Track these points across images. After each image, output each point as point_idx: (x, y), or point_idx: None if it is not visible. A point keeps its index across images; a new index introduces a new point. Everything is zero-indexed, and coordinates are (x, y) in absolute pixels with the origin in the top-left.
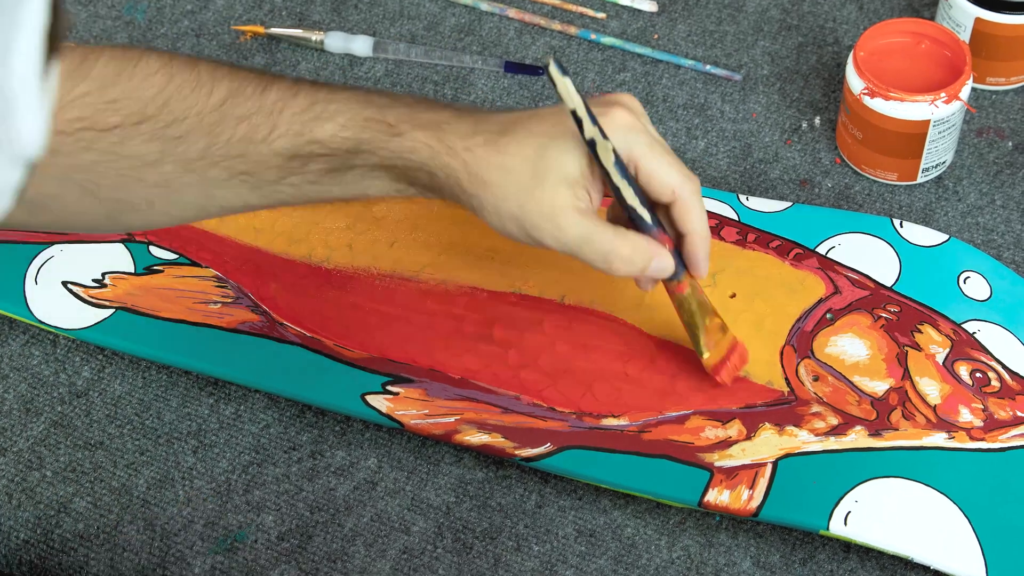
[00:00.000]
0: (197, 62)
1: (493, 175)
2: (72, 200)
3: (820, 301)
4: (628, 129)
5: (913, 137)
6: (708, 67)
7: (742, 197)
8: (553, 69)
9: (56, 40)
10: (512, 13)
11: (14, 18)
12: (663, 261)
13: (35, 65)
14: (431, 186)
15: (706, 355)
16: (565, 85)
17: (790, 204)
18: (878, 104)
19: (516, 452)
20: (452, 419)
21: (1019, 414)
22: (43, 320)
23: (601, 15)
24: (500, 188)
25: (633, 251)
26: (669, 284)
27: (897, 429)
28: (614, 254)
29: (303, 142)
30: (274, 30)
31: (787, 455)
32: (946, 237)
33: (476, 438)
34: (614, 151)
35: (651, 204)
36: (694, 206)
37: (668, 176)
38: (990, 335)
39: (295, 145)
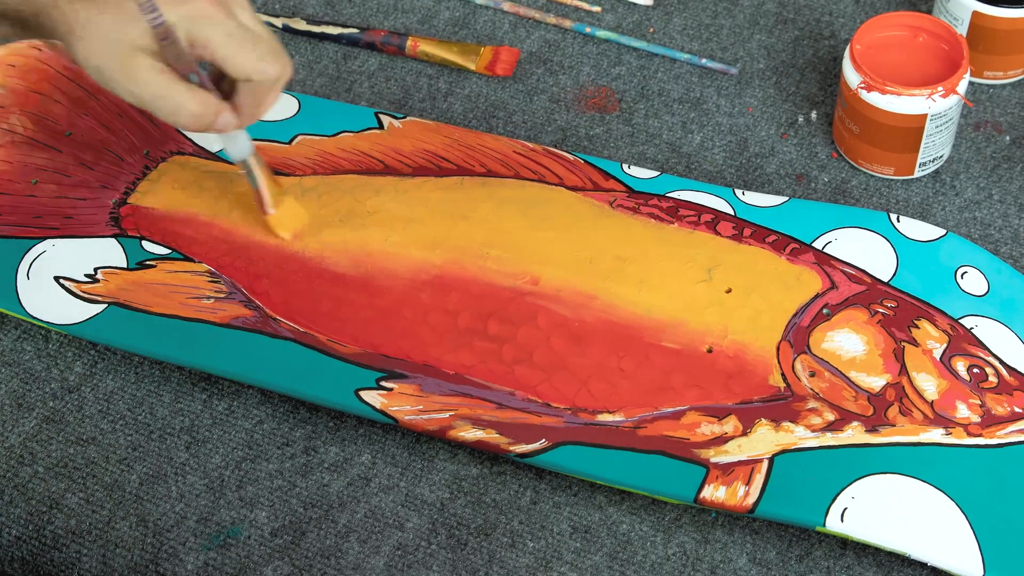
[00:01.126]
0: None
1: (80, 28)
2: None
3: (816, 296)
4: (203, 19)
5: (910, 131)
6: (704, 61)
7: (738, 192)
8: None
9: None
10: (507, 6)
11: None
12: (228, 116)
13: None
14: (40, 33)
15: (273, 212)
16: None
17: (786, 199)
18: (875, 98)
19: (511, 448)
20: (446, 415)
21: (1016, 410)
22: (35, 315)
23: (596, 8)
24: (86, 40)
25: (202, 106)
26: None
27: (894, 425)
28: (183, 108)
29: None
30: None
31: (783, 451)
32: (943, 232)
33: (471, 434)
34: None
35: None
36: (264, 90)
37: (241, 61)
38: (988, 330)
39: None
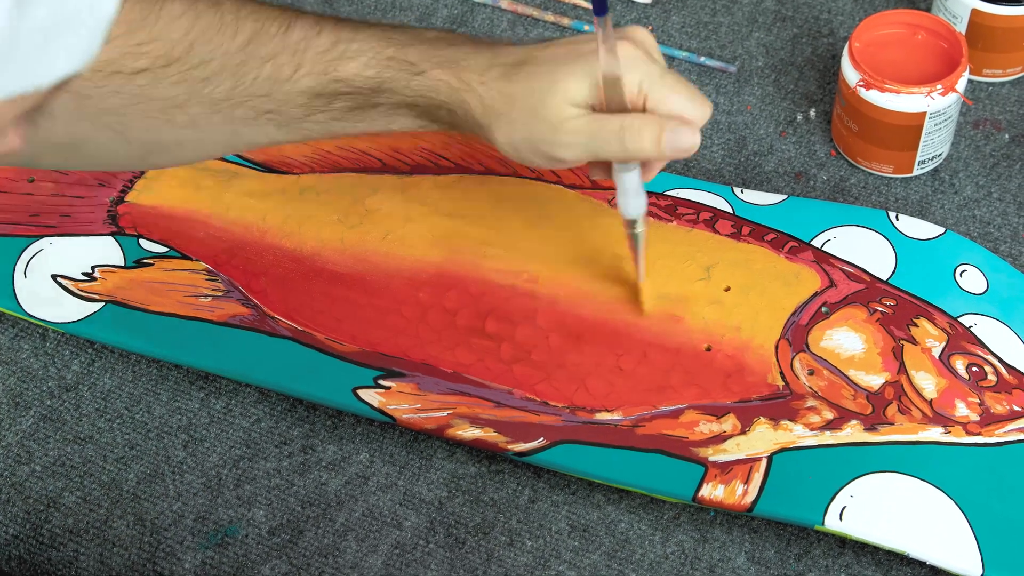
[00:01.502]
0: (220, 3)
1: (503, 104)
2: (103, 142)
3: (815, 295)
4: (633, 60)
5: (909, 129)
6: (703, 59)
7: (736, 190)
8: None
9: None
10: (504, 4)
11: None
12: (679, 132)
13: None
14: (451, 122)
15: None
16: (600, 21)
17: (785, 197)
18: (874, 96)
19: (509, 447)
20: (444, 413)
21: (1015, 408)
22: (32, 313)
23: None
24: (509, 115)
25: (643, 122)
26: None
27: (893, 423)
28: (626, 128)
29: (327, 81)
30: None
31: (782, 450)
32: (942, 230)
33: (469, 432)
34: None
35: None
36: (688, 138)
37: (674, 102)
38: (986, 329)
39: (319, 84)
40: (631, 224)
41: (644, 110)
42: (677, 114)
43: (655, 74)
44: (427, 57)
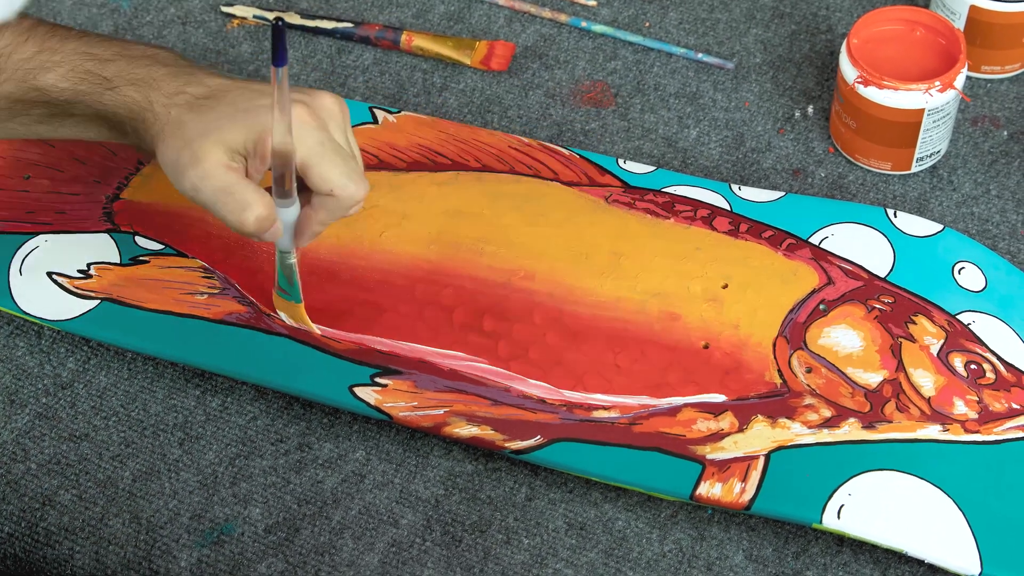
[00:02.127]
0: None
1: (172, 129)
2: None
3: (813, 292)
4: (301, 125)
5: (907, 126)
6: (700, 55)
7: (734, 187)
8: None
9: None
10: (502, 0)
11: None
12: (279, 230)
13: None
14: (135, 138)
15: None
16: (276, 72)
17: (783, 194)
18: (872, 93)
19: (506, 444)
20: (441, 411)
21: (1014, 406)
22: (28, 311)
23: (592, 2)
24: (172, 140)
25: (267, 211)
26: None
27: (891, 421)
28: (251, 209)
29: (26, 88)
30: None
31: (780, 448)
32: (940, 227)
33: (466, 430)
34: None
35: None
36: (341, 207)
37: (328, 175)
38: (985, 326)
39: (19, 90)
40: (281, 253)
41: (298, 172)
42: (326, 187)
43: (315, 142)
44: (123, 74)
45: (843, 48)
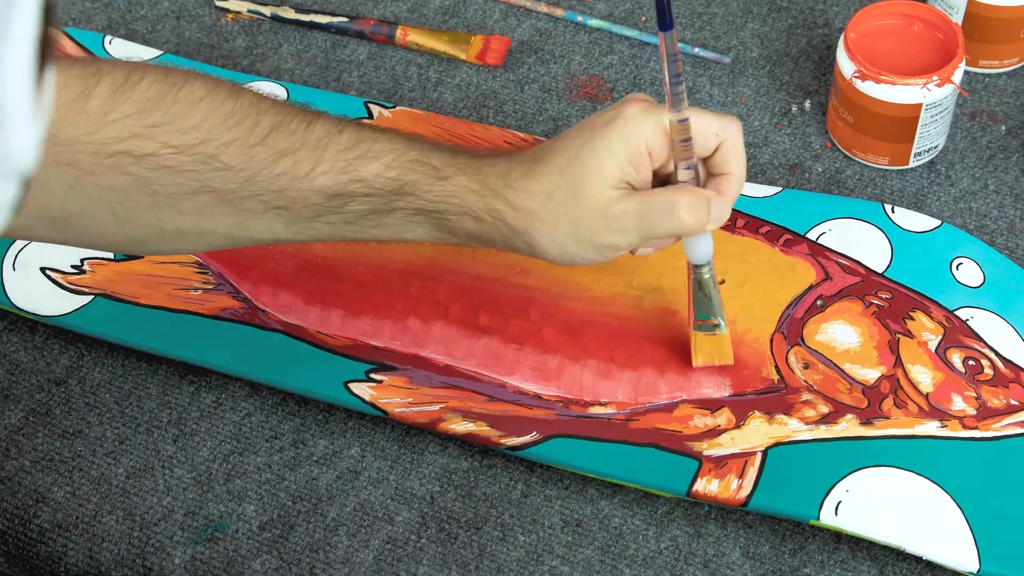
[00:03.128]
0: (241, 92)
1: (537, 203)
2: (100, 221)
3: (810, 287)
4: (650, 107)
5: (905, 121)
6: (696, 50)
7: None
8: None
9: (48, 48)
10: None
11: (4, 27)
12: (720, 203)
13: (28, 76)
14: (476, 233)
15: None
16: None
17: (780, 189)
18: (869, 87)
19: (502, 441)
20: (437, 407)
21: (1012, 402)
22: (21, 307)
23: None
24: (547, 213)
25: (693, 198)
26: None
27: (889, 418)
28: (676, 204)
29: (347, 180)
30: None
31: (777, 444)
32: (938, 223)
33: (461, 427)
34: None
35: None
36: (738, 146)
37: (708, 124)
38: (983, 322)
39: (338, 183)
40: (696, 268)
41: (713, 159)
42: (712, 133)
43: (737, 129)
44: (450, 163)
45: (840, 42)
